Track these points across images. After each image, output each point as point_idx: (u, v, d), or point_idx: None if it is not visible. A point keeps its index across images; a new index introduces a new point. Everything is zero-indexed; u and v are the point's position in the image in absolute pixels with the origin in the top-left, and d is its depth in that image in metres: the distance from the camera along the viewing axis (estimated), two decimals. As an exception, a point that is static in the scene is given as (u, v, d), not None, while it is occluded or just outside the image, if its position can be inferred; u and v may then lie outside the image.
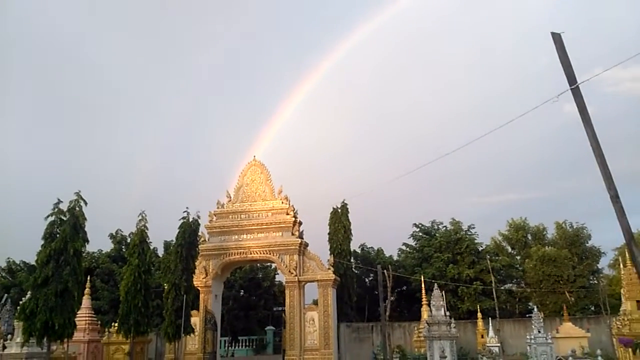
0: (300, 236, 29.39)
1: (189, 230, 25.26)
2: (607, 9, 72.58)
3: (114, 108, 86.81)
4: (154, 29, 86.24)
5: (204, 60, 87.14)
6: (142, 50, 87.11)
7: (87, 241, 18.95)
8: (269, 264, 39.34)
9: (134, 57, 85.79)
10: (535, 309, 22.06)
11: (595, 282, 35.73)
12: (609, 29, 70.10)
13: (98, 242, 39.01)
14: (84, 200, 19.07)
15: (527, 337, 20.56)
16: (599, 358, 18.66)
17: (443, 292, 25.25)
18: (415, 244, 38.54)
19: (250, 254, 29.34)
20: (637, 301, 20.37)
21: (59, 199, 18.70)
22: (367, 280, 38.69)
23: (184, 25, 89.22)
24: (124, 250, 37.48)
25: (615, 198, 6.13)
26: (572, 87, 6.46)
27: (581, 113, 6.48)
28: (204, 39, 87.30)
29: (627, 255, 23.20)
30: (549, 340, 19.92)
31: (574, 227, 36.55)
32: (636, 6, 69.17)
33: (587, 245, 35.86)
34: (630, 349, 13.58)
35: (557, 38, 6.65)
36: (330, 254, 30.87)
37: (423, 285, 27.51)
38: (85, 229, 18.97)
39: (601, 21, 71.88)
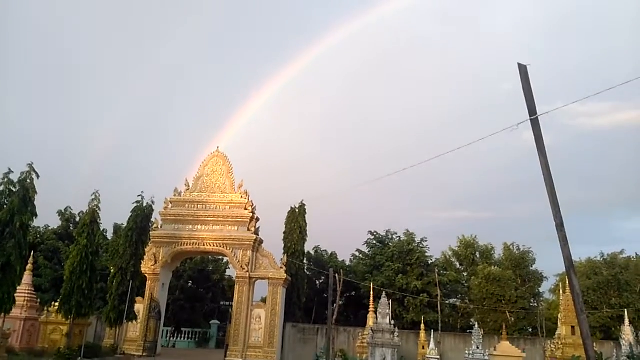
0: (256, 232, 29.34)
1: (141, 215, 24.88)
2: (576, 44, 75.71)
3: (75, 82, 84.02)
4: (124, 12, 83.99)
5: (172, 47, 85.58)
6: (111, 31, 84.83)
7: (36, 215, 18.39)
8: (221, 257, 38.99)
9: (102, 37, 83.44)
10: (476, 326, 22.77)
11: (536, 305, 37.09)
12: (572, 62, 73.18)
13: (45, 218, 37.72)
14: (37, 173, 18.50)
15: (466, 351, 21.20)
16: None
17: (390, 301, 25.75)
18: (369, 251, 39.00)
19: (204, 245, 29.06)
20: (572, 327, 21.39)
21: (9, 169, 18.09)
22: (317, 282, 38.88)
23: (156, 11, 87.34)
24: (71, 228, 36.40)
25: (560, 226, 6.48)
26: (532, 117, 6.80)
27: (537, 142, 6.82)
28: (174, 27, 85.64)
29: (566, 282, 24.38)
30: (486, 357, 20.61)
31: (521, 249, 37.81)
32: (602, 44, 72.45)
33: (531, 268, 37.11)
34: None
35: (522, 69, 6.97)
36: (284, 253, 30.90)
37: (372, 293, 27.92)
38: (35, 202, 18.38)
39: (567, 54, 74.97)
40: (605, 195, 73.72)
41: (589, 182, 73.77)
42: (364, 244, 39.65)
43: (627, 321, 25.14)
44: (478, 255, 40.42)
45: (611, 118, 73.83)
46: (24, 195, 17.82)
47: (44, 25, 75.53)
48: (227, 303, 38.55)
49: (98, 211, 23.29)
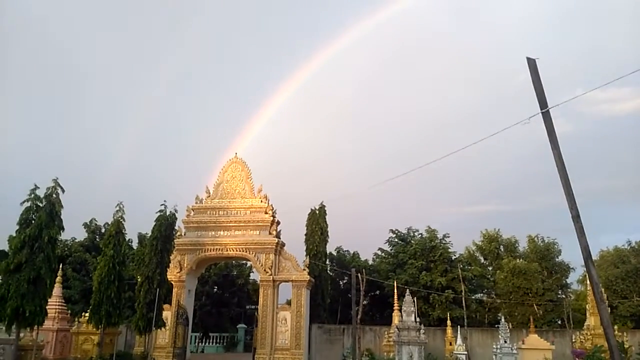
0: (278, 236, 29.55)
1: (165, 224, 25.27)
2: (591, 31, 74.38)
3: (91, 96, 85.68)
4: (134, 20, 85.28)
5: (184, 53, 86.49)
6: (124, 41, 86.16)
7: (63, 229, 18.84)
8: (244, 261, 39.37)
9: (114, 47, 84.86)
10: (503, 320, 22.55)
11: (563, 296, 36.60)
12: (589, 52, 71.89)
13: (71, 231, 38.55)
14: (61, 188, 18.95)
15: (494, 346, 21.04)
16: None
17: (415, 298, 25.66)
18: (391, 250, 38.95)
19: (227, 250, 29.40)
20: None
21: (35, 185, 18.56)
22: (341, 283, 38.97)
23: (168, 17, 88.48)
24: (97, 240, 37.15)
25: (576, 218, 6.48)
26: (543, 110, 6.80)
27: (549, 135, 6.83)
28: (186, 32, 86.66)
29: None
30: (514, 351, 20.41)
31: (545, 241, 37.36)
32: (613, 33, 71.05)
33: (557, 260, 36.67)
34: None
35: (531, 63, 6.98)
36: (306, 255, 31.05)
37: (396, 291, 27.88)
38: (61, 216, 18.87)
39: (581, 44, 73.65)
40: (632, 182, 72.26)
41: (615, 169, 72.52)
42: (385, 243, 39.64)
43: (658, 309, 24.68)
44: (502, 249, 40.07)
45: (633, 103, 72.34)
46: (50, 210, 18.28)
47: (59, 33, 77.16)
48: (253, 307, 38.90)
49: (123, 222, 23.79)
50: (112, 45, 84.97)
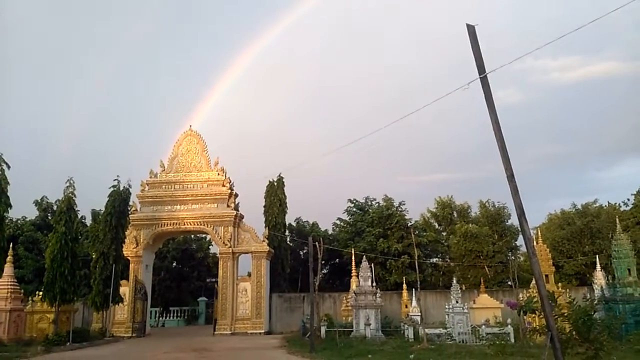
0: (236, 208, 29.54)
1: (119, 199, 24.87)
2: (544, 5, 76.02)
3: (41, 67, 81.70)
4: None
5: (138, 25, 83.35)
6: (80, 11, 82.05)
7: (10, 206, 18.30)
8: (203, 235, 39.20)
9: (69, 19, 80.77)
10: (455, 281, 23.53)
11: (513, 258, 38.32)
12: (541, 19, 73.64)
13: (22, 209, 37.34)
14: (7, 163, 18.38)
15: (446, 306, 21.99)
16: (509, 326, 20.33)
17: (372, 264, 26.39)
18: (349, 219, 39.61)
19: (184, 225, 29.20)
20: (546, 275, 22.28)
21: (-22, 162, 17.86)
22: (301, 253, 39.49)
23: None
24: (49, 218, 36.13)
25: (510, 177, 6.84)
26: (481, 76, 7.08)
27: (487, 100, 7.12)
28: (141, 5, 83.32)
29: (538, 233, 25.26)
30: (465, 310, 21.41)
31: (496, 206, 38.82)
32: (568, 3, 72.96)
33: (506, 223, 38.21)
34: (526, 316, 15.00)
35: (471, 30, 7.21)
36: (265, 227, 31.23)
37: (354, 258, 28.54)
38: (8, 193, 18.26)
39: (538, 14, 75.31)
40: (580, 147, 75.55)
41: (563, 135, 75.46)
42: (344, 212, 40.27)
43: (598, 267, 26.25)
44: (455, 215, 41.44)
45: (581, 71, 74.99)
46: (-5, 186, 17.69)
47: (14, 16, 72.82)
48: (213, 279, 38.94)
49: (74, 198, 23.19)
50: (67, 14, 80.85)
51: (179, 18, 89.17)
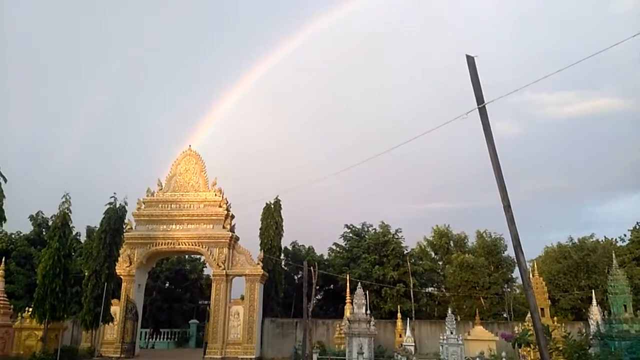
0: (232, 230, 29.41)
1: (114, 217, 24.76)
2: (544, 36, 77.25)
3: (42, 83, 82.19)
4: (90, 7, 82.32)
5: (140, 44, 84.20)
6: (77, 28, 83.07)
7: (4, 219, 18.19)
8: (197, 256, 38.90)
9: (67, 33, 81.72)
10: (450, 312, 23.29)
11: (508, 290, 38.05)
12: (539, 53, 74.74)
13: (17, 224, 37.12)
14: (3, 177, 18.32)
15: (440, 337, 21.71)
16: (503, 359, 20.03)
17: (367, 292, 26.17)
18: (345, 244, 39.41)
19: (179, 244, 29.02)
20: (542, 309, 22.10)
21: (-25, 175, 17.81)
22: (296, 277, 39.15)
23: (122, 5, 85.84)
24: (44, 233, 35.88)
25: (507, 208, 6.85)
26: (479, 106, 7.16)
27: (485, 130, 7.19)
28: (142, 22, 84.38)
29: (534, 265, 25.15)
30: (460, 342, 21.11)
31: (493, 237, 38.71)
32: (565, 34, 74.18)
33: (503, 255, 38.07)
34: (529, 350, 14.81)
35: (470, 61, 7.32)
36: (261, 250, 31.03)
37: (348, 284, 28.29)
38: (3, 207, 18.18)
39: (535, 48, 76.46)
40: (578, 182, 75.70)
41: (561, 170, 75.67)
42: (340, 237, 40.07)
43: (594, 301, 26.03)
44: (452, 244, 41.26)
45: (579, 106, 75.67)
46: (-10, 199, 17.61)
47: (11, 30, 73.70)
48: (206, 302, 38.50)
49: (69, 214, 23.11)
50: (65, 31, 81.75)
51: (183, 39, 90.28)
